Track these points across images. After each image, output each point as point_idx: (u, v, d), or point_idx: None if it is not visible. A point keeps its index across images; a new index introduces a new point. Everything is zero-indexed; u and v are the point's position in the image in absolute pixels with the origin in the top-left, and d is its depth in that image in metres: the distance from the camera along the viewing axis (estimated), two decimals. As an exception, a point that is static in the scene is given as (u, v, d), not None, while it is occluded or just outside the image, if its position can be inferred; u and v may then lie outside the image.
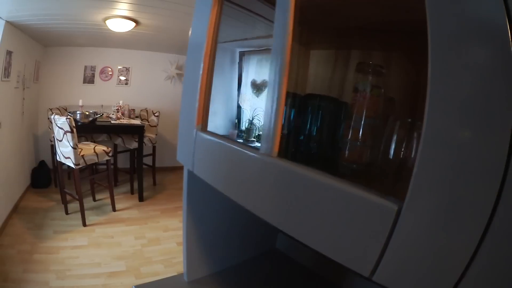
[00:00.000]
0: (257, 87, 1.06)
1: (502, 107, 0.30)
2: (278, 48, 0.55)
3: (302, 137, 0.76)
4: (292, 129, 0.77)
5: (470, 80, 0.32)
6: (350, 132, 0.71)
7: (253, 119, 1.04)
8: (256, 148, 0.55)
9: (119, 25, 3.26)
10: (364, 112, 0.71)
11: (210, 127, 0.96)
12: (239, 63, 1.13)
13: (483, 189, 0.31)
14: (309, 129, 0.76)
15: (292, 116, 0.77)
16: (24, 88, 3.47)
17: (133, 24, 3.29)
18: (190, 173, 0.83)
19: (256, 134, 1.01)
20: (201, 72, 0.72)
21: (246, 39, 1.09)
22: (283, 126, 0.74)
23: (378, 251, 0.38)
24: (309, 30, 0.94)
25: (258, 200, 0.56)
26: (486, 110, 0.31)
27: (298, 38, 0.90)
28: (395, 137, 0.68)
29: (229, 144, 0.61)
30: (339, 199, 0.42)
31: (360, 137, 0.70)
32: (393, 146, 0.68)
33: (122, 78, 4.79)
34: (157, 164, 4.50)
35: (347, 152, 0.72)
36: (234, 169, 0.61)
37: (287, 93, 0.72)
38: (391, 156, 0.68)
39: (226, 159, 0.63)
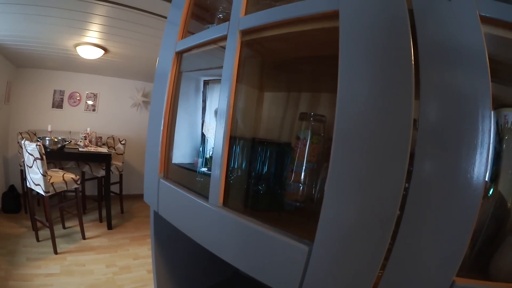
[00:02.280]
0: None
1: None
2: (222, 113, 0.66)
3: (252, 180, 0.87)
4: (244, 171, 0.87)
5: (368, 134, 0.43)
6: (293, 175, 0.83)
7: (216, 147, 1.10)
8: (206, 198, 0.66)
9: (89, 52, 3.33)
10: (305, 158, 0.82)
11: (176, 156, 1.04)
12: (203, 91, 1.17)
13: (380, 235, 0.41)
14: (258, 171, 0.87)
15: (243, 159, 0.88)
16: (-5, 110, 3.42)
17: (102, 51, 3.35)
18: (156, 212, 0.93)
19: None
20: (161, 128, 0.83)
21: (210, 68, 1.11)
22: (235, 168, 0.85)
23: (299, 278, 0.49)
24: (263, 73, 1.04)
25: (211, 239, 0.66)
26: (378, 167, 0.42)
27: (251, 81, 1.02)
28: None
29: (186, 194, 0.72)
30: (268, 240, 0.53)
31: (301, 180, 0.82)
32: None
33: (90, 102, 4.79)
34: (124, 192, 4.50)
35: (290, 192, 0.83)
36: (191, 213, 0.71)
37: (240, 138, 0.83)
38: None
39: (184, 205, 0.73)
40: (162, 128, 0.83)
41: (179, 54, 0.89)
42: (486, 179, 0.41)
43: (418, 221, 0.40)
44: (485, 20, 0.40)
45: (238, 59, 0.65)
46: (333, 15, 0.48)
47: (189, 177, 0.96)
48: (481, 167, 0.37)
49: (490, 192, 0.57)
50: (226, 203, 0.64)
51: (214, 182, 0.64)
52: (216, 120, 0.95)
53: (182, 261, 1.11)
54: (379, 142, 0.42)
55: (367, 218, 0.42)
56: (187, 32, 0.92)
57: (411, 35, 0.40)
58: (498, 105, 0.57)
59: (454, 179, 0.38)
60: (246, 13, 0.66)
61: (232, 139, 0.72)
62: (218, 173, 0.63)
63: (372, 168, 0.42)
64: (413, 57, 0.40)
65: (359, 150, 0.43)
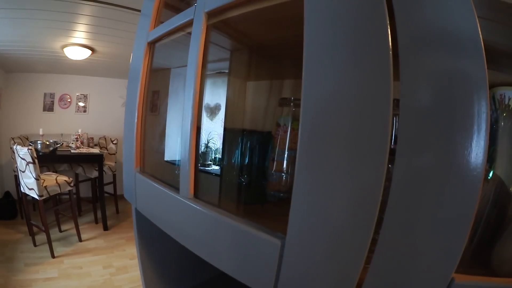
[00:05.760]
0: (211, 111, 1.10)
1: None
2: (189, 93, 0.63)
3: (234, 172, 0.84)
4: (226, 163, 0.84)
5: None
6: (274, 164, 0.79)
7: (208, 142, 1.08)
8: (177, 190, 0.63)
9: (76, 53, 3.28)
10: (286, 145, 0.79)
11: (167, 153, 1.00)
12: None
13: (361, 225, 0.37)
14: (240, 162, 0.84)
15: (225, 150, 0.85)
16: (-14, 116, 3.40)
17: (90, 52, 3.31)
18: (137, 209, 0.90)
19: (213, 157, 1.06)
20: (135, 121, 0.80)
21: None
22: (220, 159, 0.82)
23: (274, 275, 0.45)
24: (245, 62, 1.01)
25: (184, 233, 0.62)
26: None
27: (233, 71, 0.98)
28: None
29: (159, 186, 0.68)
30: (239, 234, 0.50)
31: (283, 169, 0.79)
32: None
33: (81, 104, 4.75)
34: (118, 192, 4.43)
35: (273, 182, 0.80)
36: (164, 206, 0.68)
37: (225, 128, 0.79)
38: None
39: (158, 198, 0.70)
40: (136, 121, 0.80)
41: (151, 45, 0.86)
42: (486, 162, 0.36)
43: (407, 211, 0.35)
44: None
45: (204, 42, 0.61)
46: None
47: (170, 171, 0.93)
48: (479, 149, 0.32)
49: (490, 175, 0.54)
50: (199, 195, 0.61)
51: (184, 173, 0.60)
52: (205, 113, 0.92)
53: (168, 259, 1.08)
54: (354, 128, 0.37)
55: (345, 205, 0.38)
56: (160, 22, 0.89)
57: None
58: (493, 84, 0.54)
59: (448, 165, 0.33)
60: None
61: (206, 129, 0.68)
62: (187, 163, 0.60)
63: (349, 152, 0.38)
64: (390, 36, 0.35)
65: (330, 136, 0.39)
